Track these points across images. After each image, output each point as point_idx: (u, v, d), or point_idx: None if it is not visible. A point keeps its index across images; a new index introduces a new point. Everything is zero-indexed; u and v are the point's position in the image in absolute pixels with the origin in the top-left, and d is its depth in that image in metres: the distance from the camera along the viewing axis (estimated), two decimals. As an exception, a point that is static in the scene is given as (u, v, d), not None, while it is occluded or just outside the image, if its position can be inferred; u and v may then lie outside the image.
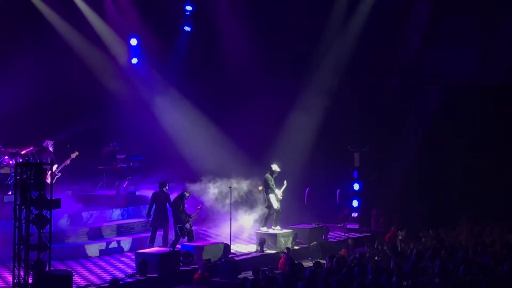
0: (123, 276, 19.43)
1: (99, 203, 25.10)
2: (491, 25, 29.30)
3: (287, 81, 29.72)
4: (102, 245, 22.54)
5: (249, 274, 19.43)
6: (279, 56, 30.28)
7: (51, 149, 24.54)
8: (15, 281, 17.19)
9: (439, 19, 29.83)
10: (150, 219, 22.35)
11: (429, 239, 23.12)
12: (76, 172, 25.53)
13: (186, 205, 22.53)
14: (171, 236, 22.32)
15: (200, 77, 30.41)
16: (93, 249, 22.23)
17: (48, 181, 23.82)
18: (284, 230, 24.26)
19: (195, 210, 22.86)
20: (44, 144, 24.54)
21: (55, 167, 24.14)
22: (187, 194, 22.24)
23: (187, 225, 21.99)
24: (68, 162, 24.59)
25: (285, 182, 24.44)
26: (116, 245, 22.86)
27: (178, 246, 21.61)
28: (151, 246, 21.90)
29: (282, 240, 23.58)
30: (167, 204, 22.38)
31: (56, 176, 24.24)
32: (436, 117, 29.56)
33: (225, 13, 30.34)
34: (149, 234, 22.48)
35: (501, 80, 29.14)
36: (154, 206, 22.35)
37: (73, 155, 24.70)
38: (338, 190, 28.81)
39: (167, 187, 22.70)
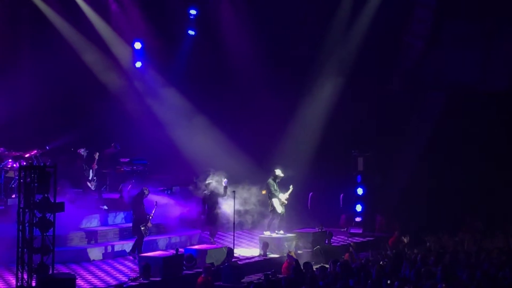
0: (126, 280, 19.43)
1: (99, 205, 25.07)
2: (493, 30, 29.32)
3: (290, 86, 29.74)
4: (105, 248, 22.53)
5: (252, 278, 19.45)
6: (283, 60, 30.28)
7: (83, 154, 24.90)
8: (19, 284, 17.19)
9: (441, 24, 29.86)
10: (203, 217, 23.86)
11: (433, 244, 23.13)
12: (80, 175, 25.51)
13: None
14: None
15: (204, 80, 30.42)
16: (96, 253, 22.22)
17: (92, 187, 24.17)
18: (288, 235, 24.25)
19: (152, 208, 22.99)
20: (78, 151, 24.86)
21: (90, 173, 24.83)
22: (146, 192, 22.48)
23: (149, 224, 22.16)
24: (95, 166, 24.95)
25: (291, 186, 24.44)
26: (119, 249, 22.85)
27: (181, 250, 21.61)
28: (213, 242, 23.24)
29: (286, 244, 23.56)
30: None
31: (94, 182, 24.73)
32: (439, 122, 29.55)
33: (229, 17, 30.37)
34: (152, 238, 22.74)
35: (504, 85, 29.15)
36: (207, 207, 23.58)
37: (96, 155, 25.14)
38: (342, 195, 28.82)
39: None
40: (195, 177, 25.00)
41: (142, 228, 21.97)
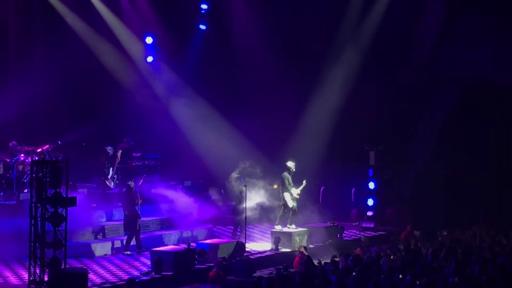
0: (138, 274, 19.47)
1: (114, 201, 25.11)
2: (507, 24, 29.19)
3: (301, 79, 29.72)
4: (117, 243, 22.56)
5: (264, 272, 19.45)
6: (294, 53, 30.27)
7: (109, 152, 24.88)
8: (31, 278, 17.24)
9: (455, 18, 29.75)
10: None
11: (445, 238, 23.07)
12: (91, 170, 25.56)
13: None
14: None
15: (215, 75, 30.44)
16: (108, 247, 22.27)
17: (111, 186, 24.15)
18: (299, 229, 24.23)
19: None
20: (105, 148, 24.89)
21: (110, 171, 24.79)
22: (132, 185, 22.62)
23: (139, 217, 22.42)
24: (117, 162, 25.04)
25: (304, 181, 24.37)
26: (131, 243, 22.85)
27: (193, 244, 21.64)
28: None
29: (297, 238, 23.55)
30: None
31: (115, 179, 24.74)
32: (452, 116, 29.46)
33: (240, 11, 30.37)
34: (164, 232, 22.83)
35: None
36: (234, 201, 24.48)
37: (118, 154, 25.15)
38: (353, 189, 28.78)
39: None
40: (226, 180, 25.10)
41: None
